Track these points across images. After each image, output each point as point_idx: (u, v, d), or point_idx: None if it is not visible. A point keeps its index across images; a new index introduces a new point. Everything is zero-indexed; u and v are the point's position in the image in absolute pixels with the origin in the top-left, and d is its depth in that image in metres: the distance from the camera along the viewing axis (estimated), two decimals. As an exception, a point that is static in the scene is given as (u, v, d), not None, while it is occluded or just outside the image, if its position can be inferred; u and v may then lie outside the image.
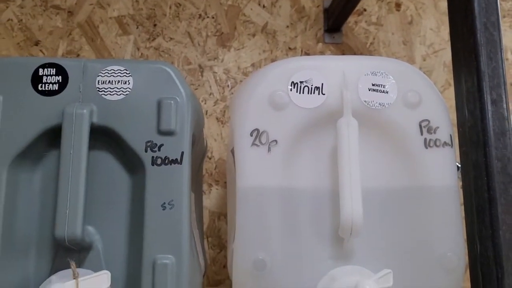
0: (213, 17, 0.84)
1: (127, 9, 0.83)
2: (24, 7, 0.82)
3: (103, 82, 0.39)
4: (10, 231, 0.38)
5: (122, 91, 0.39)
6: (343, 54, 0.86)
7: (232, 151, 0.57)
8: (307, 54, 0.85)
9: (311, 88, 0.39)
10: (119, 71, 0.40)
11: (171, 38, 0.83)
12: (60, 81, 0.39)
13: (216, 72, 0.83)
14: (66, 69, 0.39)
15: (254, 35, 0.85)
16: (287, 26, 0.85)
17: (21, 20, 0.81)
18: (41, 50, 0.81)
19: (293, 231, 0.39)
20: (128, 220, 0.40)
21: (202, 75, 0.83)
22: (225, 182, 0.79)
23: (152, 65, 0.40)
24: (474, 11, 0.40)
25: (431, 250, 0.39)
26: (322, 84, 0.40)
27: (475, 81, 0.39)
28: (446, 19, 0.89)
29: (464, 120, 0.39)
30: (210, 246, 0.77)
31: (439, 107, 0.41)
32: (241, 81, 0.83)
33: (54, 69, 0.39)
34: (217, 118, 0.81)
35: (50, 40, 0.81)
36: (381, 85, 0.40)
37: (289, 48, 0.85)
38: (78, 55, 0.81)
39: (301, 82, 0.39)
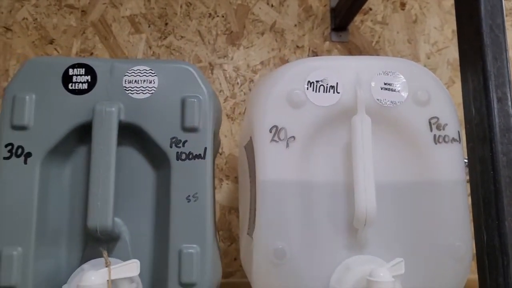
0: (223, 16, 0.86)
1: (139, 8, 0.85)
2: (38, 6, 0.83)
3: (130, 82, 0.41)
4: (43, 222, 0.40)
5: (148, 90, 0.41)
6: (350, 52, 0.88)
7: (245, 147, 0.59)
8: (314, 52, 0.87)
9: (327, 87, 0.41)
10: (145, 71, 0.42)
11: (182, 37, 0.85)
12: (89, 80, 0.41)
13: (226, 70, 0.85)
14: (95, 69, 0.41)
15: (262, 34, 0.87)
16: (295, 25, 0.87)
17: (36, 19, 0.83)
18: (55, 49, 0.82)
19: (310, 222, 0.41)
20: (153, 212, 0.42)
21: (212, 73, 0.85)
22: (236, 177, 0.82)
23: (175, 65, 0.42)
24: (480, 14, 0.42)
25: (441, 240, 0.41)
26: (337, 83, 0.42)
27: (481, 80, 0.41)
28: (449, 18, 0.91)
29: (471, 117, 0.41)
30: (221, 239, 0.79)
31: (447, 105, 0.43)
32: (250, 78, 0.85)
33: (84, 69, 0.41)
34: (227, 115, 0.83)
35: (64, 38, 0.83)
36: (393, 84, 0.42)
37: (297, 47, 0.87)
38: (91, 54, 0.83)
39: (317, 81, 0.42)
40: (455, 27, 0.92)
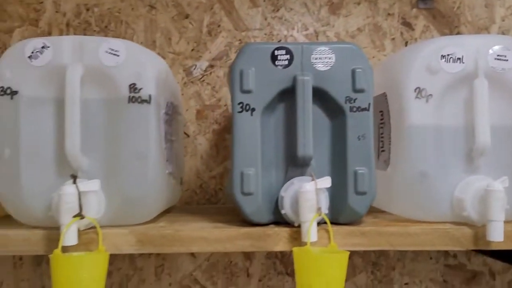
0: (325, -11, 1.02)
1: (256, -15, 1.02)
2: (174, -14, 1.01)
3: (316, 58, 0.60)
4: (263, 153, 0.60)
5: (328, 64, 0.60)
6: (434, 18, 1.02)
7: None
8: (403, 19, 1.02)
9: (455, 58, 0.59)
10: (325, 50, 0.60)
11: (291, 9, 1.02)
12: (289, 58, 0.60)
13: (329, 36, 1.02)
14: (292, 50, 0.60)
15: (359, 4, 1.02)
16: (387, -5, 1.02)
17: (173, -3, 1.01)
18: (190, 22, 1.01)
19: (441, 152, 0.60)
20: (330, 147, 0.62)
21: (317, 39, 1.02)
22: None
23: (346, 45, 0.61)
24: None
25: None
26: (462, 56, 0.59)
27: None
28: (524, -17, 1.03)
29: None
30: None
31: (542, 68, 0.60)
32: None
33: (284, 50, 0.60)
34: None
35: (197, 13, 1.01)
36: (503, 55, 0.59)
37: (388, 14, 1.03)
38: (219, 26, 1.01)
39: (448, 54, 0.59)
40: (528, -7, 1.04)
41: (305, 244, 0.56)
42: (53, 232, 0.59)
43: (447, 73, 0.59)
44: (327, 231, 0.59)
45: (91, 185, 0.58)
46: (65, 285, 0.54)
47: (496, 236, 0.55)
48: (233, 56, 0.99)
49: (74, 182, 0.57)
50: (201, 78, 1.00)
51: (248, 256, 0.95)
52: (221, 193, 0.98)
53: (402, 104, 0.61)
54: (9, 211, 0.61)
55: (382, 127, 0.70)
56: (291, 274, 0.95)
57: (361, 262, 0.95)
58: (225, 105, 0.99)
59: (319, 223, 0.59)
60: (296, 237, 0.59)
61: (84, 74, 0.59)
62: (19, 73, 0.59)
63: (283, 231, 0.60)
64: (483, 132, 0.58)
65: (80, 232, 0.58)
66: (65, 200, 0.55)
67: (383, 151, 0.70)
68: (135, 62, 0.59)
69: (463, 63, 0.59)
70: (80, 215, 0.56)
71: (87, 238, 0.59)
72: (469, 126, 0.60)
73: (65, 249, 0.56)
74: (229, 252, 0.95)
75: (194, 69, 1.00)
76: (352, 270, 0.95)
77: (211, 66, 1.00)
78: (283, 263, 0.95)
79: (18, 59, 0.59)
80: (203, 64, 1.00)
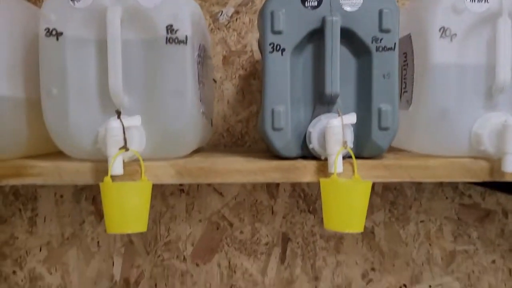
0: None
1: None
2: None
3: (344, -1, 0.63)
4: (292, 91, 0.64)
5: (356, 5, 0.62)
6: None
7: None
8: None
9: (480, -3, 0.61)
10: (354, -9, 0.62)
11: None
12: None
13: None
14: (321, -9, 0.63)
15: None
16: None
17: None
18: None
19: (462, 89, 0.63)
20: (355, 85, 0.65)
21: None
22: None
23: (373, -13, 0.63)
24: None
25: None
26: (488, -6, 0.61)
27: None
28: None
29: None
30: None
31: None
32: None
33: (314, -9, 0.63)
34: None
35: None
36: (528, -6, 0.61)
37: (414, -43, 1.02)
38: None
39: (473, -6, 0.61)
40: None
41: (332, 175, 0.61)
42: (100, 164, 0.64)
43: (472, 12, 0.61)
44: (352, 164, 0.63)
45: (133, 121, 0.63)
46: (114, 210, 0.61)
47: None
48: (258, 1, 1.01)
49: (119, 117, 0.62)
50: (227, 24, 1.02)
51: (272, 195, 1.02)
52: (247, 136, 1.03)
53: (426, 44, 0.63)
54: (59, 146, 0.67)
55: (405, 69, 0.73)
56: (312, 211, 1.01)
57: (380, 201, 1.01)
58: (250, 51, 1.02)
59: (344, 157, 0.64)
60: (323, 170, 0.64)
61: (123, 16, 0.63)
62: (63, 16, 0.63)
63: (311, 164, 0.64)
64: (504, 69, 0.60)
65: (124, 164, 0.63)
66: (112, 133, 0.61)
67: (405, 92, 0.73)
68: (172, 3, 0.63)
69: (488, 2, 0.61)
70: (125, 148, 0.62)
71: (131, 170, 0.65)
72: (490, 64, 0.62)
73: (112, 179, 0.61)
74: (255, 192, 1.01)
75: (221, 15, 1.02)
76: (370, 208, 1.01)
77: (237, 12, 1.02)
78: (305, 202, 1.01)
79: (62, 2, 0.63)
80: (229, 10, 1.02)
